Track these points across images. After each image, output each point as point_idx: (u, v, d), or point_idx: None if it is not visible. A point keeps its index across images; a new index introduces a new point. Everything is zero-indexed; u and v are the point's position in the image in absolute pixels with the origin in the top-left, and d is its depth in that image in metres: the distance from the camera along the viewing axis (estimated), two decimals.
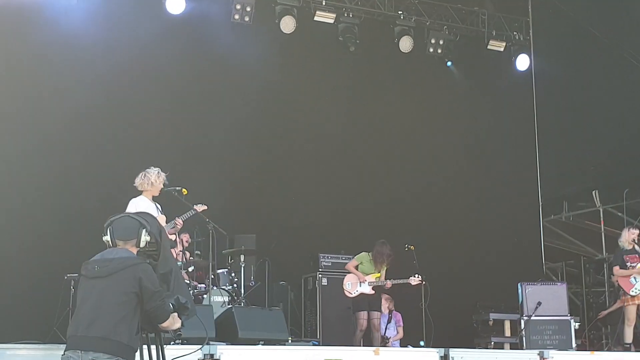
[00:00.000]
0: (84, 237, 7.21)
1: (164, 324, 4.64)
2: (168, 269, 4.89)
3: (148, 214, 5.20)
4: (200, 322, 5.33)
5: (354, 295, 9.18)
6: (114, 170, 9.45)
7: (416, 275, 9.18)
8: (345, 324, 9.26)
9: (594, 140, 12.34)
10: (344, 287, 9.30)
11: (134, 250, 4.67)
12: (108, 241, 4.70)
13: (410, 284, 9.22)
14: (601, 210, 13.12)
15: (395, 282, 9.19)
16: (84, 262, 4.72)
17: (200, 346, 5.64)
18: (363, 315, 9.03)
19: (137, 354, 4.64)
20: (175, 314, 4.70)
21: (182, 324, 4.79)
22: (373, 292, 9.12)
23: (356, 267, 9.27)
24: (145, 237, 4.66)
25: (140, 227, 4.67)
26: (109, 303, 4.50)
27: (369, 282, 9.13)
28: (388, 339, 9.34)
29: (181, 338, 5.10)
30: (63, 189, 9.34)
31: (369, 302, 9.10)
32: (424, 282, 9.64)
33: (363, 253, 9.37)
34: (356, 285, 9.18)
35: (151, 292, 4.54)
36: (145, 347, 4.74)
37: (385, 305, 9.54)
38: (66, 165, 9.58)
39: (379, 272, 9.18)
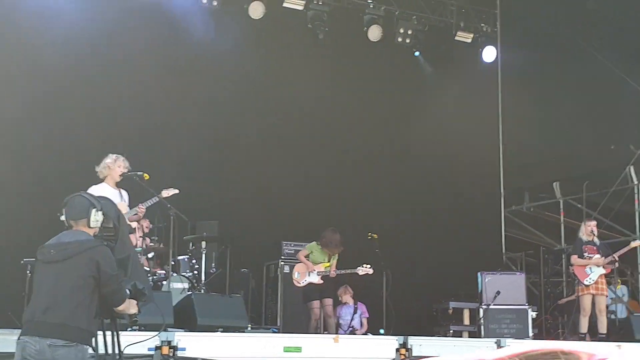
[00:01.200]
0: (41, 220, 7.09)
1: (119, 308, 4.61)
2: (126, 255, 4.86)
3: (106, 197, 5.16)
4: (158, 309, 5.30)
5: (302, 285, 9.18)
6: (74, 153, 9.33)
7: (364, 265, 9.11)
8: (306, 311, 9.26)
9: (556, 132, 12.49)
10: (293, 277, 9.31)
11: (90, 232, 4.62)
12: (64, 221, 4.66)
13: (358, 273, 9.14)
14: (561, 201, 13.32)
15: (341, 272, 9.14)
16: (39, 247, 4.67)
17: (157, 333, 5.60)
18: (316, 304, 9.02)
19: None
20: (133, 300, 4.68)
21: (139, 310, 4.76)
22: (322, 281, 9.09)
23: (307, 257, 9.25)
24: (95, 217, 4.60)
25: (90, 207, 4.61)
26: (66, 287, 4.46)
27: (317, 272, 9.11)
28: (355, 330, 9.33)
29: (137, 324, 5.06)
30: (19, 171, 9.17)
31: (320, 291, 9.07)
32: (386, 272, 9.66)
33: (313, 242, 9.33)
34: (305, 274, 9.17)
35: (108, 276, 4.52)
36: (100, 333, 4.70)
37: (347, 295, 9.52)
38: (24, 146, 9.42)
39: (329, 261, 9.14)
